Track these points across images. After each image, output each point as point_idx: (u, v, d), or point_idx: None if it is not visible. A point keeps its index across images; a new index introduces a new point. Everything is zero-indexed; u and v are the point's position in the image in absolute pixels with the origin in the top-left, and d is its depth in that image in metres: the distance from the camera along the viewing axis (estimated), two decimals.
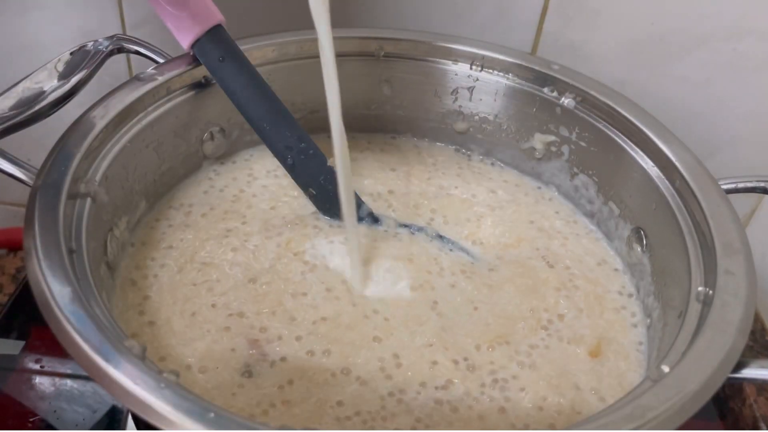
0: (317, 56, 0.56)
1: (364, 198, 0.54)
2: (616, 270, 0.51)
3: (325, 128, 0.60)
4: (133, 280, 0.46)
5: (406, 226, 0.52)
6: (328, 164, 0.52)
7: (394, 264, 0.48)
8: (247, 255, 0.48)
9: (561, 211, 0.56)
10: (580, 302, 0.48)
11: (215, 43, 0.50)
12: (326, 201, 0.52)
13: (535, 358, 0.43)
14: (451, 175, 0.58)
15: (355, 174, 0.57)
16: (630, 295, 0.49)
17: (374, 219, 0.52)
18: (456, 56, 0.57)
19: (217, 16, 0.50)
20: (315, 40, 0.55)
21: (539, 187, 0.58)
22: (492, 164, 0.60)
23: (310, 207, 0.53)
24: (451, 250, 0.51)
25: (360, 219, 0.52)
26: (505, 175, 0.59)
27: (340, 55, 0.56)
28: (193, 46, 0.50)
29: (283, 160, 0.52)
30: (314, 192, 0.52)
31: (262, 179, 0.56)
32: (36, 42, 0.67)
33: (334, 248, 0.49)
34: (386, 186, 0.56)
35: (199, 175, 0.55)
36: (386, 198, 0.55)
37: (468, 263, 0.50)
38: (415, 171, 0.58)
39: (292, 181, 0.53)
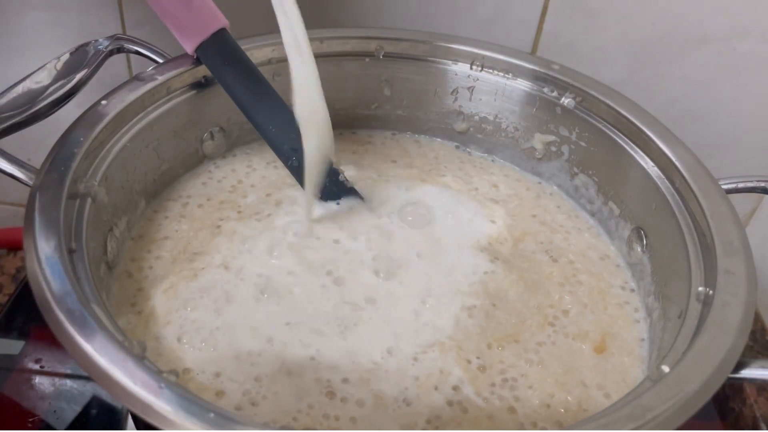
0: (318, 56, 0.57)
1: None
2: (618, 266, 0.51)
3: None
4: (130, 272, 0.46)
5: None
6: (333, 166, 0.53)
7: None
8: (236, 245, 0.48)
9: (562, 206, 0.56)
10: (584, 297, 0.48)
11: (219, 47, 0.50)
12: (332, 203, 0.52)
13: (542, 356, 0.43)
14: (453, 169, 0.58)
15: (356, 165, 0.57)
16: (632, 290, 0.49)
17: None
18: (456, 56, 0.57)
19: (221, 20, 0.50)
20: (314, 40, 0.56)
21: (540, 182, 0.59)
22: (493, 161, 0.61)
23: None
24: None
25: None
26: (506, 170, 0.60)
27: (340, 55, 0.58)
28: (197, 50, 0.50)
29: (288, 163, 0.52)
30: (318, 194, 0.52)
31: (261, 170, 0.56)
32: (36, 42, 0.67)
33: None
34: (388, 177, 0.56)
35: (199, 168, 0.56)
36: None
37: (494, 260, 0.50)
38: (416, 164, 0.58)
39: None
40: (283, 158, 0.53)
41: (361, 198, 0.53)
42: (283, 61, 0.55)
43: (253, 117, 0.51)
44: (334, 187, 0.52)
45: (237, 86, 0.51)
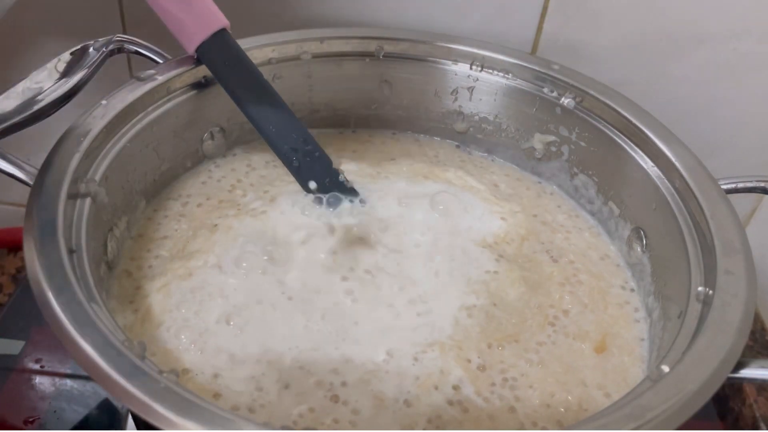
0: (318, 56, 0.57)
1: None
2: (618, 266, 0.51)
3: (329, 125, 0.61)
4: (129, 272, 0.46)
5: None
6: (333, 166, 0.53)
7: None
8: (231, 242, 0.48)
9: (563, 206, 0.56)
10: (584, 297, 0.48)
11: (220, 47, 0.50)
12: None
13: (543, 355, 0.43)
14: (454, 168, 0.58)
15: (357, 163, 0.57)
16: (632, 290, 0.49)
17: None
18: (456, 56, 0.57)
19: (221, 21, 0.50)
20: (314, 40, 0.56)
21: (540, 182, 0.59)
22: (493, 160, 0.61)
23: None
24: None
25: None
26: (507, 169, 0.60)
27: (340, 55, 0.58)
28: (197, 50, 0.50)
29: (288, 163, 0.53)
30: (319, 195, 0.52)
31: (260, 169, 0.56)
32: (36, 42, 0.67)
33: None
34: (388, 174, 0.56)
35: (199, 167, 0.56)
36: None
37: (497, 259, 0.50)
38: (417, 162, 0.58)
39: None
40: (283, 158, 0.53)
41: (360, 196, 0.53)
42: (283, 61, 0.55)
43: (253, 117, 0.52)
44: (334, 188, 0.52)
45: (237, 86, 0.51)
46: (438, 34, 0.58)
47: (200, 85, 0.52)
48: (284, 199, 0.52)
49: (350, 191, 0.53)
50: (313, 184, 0.52)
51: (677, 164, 0.47)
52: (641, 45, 0.62)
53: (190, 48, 0.50)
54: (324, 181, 0.52)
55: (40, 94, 0.45)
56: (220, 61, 0.50)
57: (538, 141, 0.57)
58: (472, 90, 0.58)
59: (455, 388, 0.41)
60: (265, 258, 0.47)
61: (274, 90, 0.52)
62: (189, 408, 0.30)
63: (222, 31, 0.50)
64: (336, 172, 0.53)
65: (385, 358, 0.42)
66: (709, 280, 0.40)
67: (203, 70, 0.52)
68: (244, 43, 0.52)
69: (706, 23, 0.60)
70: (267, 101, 0.51)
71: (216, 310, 0.43)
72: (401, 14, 0.64)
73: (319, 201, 0.51)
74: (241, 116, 0.52)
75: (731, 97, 0.64)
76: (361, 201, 0.52)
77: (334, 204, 0.51)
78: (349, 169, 0.55)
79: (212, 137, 0.55)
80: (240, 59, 0.51)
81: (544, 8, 0.62)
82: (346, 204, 0.52)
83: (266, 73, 0.53)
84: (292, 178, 0.53)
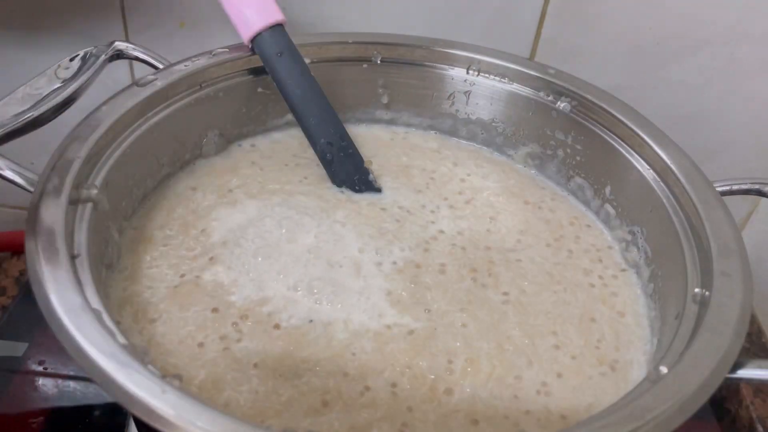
0: (316, 61, 0.57)
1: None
2: (623, 270, 0.51)
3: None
4: (129, 276, 0.46)
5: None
6: (365, 165, 0.55)
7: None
8: (232, 247, 0.48)
9: (559, 208, 0.56)
10: (582, 300, 0.48)
11: (275, 39, 0.53)
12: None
13: (546, 359, 0.43)
14: (451, 167, 0.59)
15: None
16: (635, 293, 0.49)
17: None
18: (452, 61, 0.58)
19: (278, 15, 0.52)
20: (312, 45, 0.57)
21: (537, 185, 0.59)
22: (490, 163, 0.61)
23: (304, 186, 0.54)
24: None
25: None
26: (504, 173, 0.60)
27: (337, 61, 0.58)
28: (253, 40, 0.52)
29: (322, 156, 0.55)
30: (343, 187, 0.54)
31: (261, 173, 0.56)
32: (36, 47, 0.67)
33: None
34: (388, 173, 0.57)
35: (199, 172, 0.55)
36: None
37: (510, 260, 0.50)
38: (415, 163, 0.59)
39: (292, 169, 0.55)
40: (318, 150, 0.54)
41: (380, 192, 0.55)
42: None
43: (297, 108, 0.54)
44: (362, 185, 0.54)
45: (286, 77, 0.53)
46: (435, 39, 0.58)
47: (199, 90, 0.53)
48: (284, 202, 0.52)
49: (377, 191, 0.54)
50: (342, 178, 0.54)
51: (673, 167, 0.47)
52: (639, 50, 0.63)
53: (247, 37, 0.52)
54: (353, 177, 0.54)
55: (39, 99, 0.45)
56: (273, 53, 0.53)
57: (535, 144, 0.58)
58: (469, 94, 0.59)
59: (448, 393, 0.41)
60: (260, 261, 0.47)
61: (320, 86, 0.54)
62: (191, 411, 0.30)
63: (278, 26, 0.52)
64: (366, 171, 0.55)
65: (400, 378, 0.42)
66: (706, 281, 0.40)
67: (201, 76, 0.52)
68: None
69: (703, 28, 0.61)
70: (311, 95, 0.54)
71: (220, 313, 0.44)
72: (400, 20, 0.64)
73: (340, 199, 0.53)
74: (239, 121, 0.52)
75: (728, 101, 0.64)
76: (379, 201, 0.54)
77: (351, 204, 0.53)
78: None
79: (211, 142, 0.56)
80: (291, 53, 0.53)
81: (543, 14, 0.62)
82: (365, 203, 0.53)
83: (264, 79, 0.53)
84: (289, 179, 0.54)
